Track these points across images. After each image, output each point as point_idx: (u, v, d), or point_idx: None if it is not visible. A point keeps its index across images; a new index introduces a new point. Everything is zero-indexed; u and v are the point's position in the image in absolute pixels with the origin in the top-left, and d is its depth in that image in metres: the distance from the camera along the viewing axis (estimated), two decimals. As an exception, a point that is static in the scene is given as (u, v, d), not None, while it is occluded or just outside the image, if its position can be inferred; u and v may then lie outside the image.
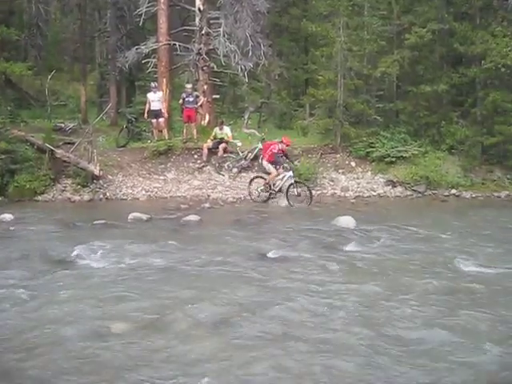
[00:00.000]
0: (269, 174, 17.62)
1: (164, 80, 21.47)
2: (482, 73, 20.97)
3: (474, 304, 7.98)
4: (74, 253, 10.69)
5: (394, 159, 20.15)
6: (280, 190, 17.36)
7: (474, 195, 19.58)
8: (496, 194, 19.82)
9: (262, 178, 17.96)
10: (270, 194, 17.51)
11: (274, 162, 17.41)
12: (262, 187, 17.64)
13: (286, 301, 8.00)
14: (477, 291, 8.61)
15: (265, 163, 17.71)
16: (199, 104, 20.60)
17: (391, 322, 7.28)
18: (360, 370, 5.96)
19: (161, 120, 20.16)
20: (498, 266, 10.00)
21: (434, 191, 19.55)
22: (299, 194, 16.96)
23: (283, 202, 17.00)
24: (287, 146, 17.83)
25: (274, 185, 17.43)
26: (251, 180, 18.11)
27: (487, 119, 21.23)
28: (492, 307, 7.82)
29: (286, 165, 17.63)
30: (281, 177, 17.37)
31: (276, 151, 17.38)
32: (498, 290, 8.70)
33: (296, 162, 19.41)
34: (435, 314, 7.58)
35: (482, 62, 20.68)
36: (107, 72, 24.75)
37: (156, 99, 20.04)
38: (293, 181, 17.07)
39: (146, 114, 20.25)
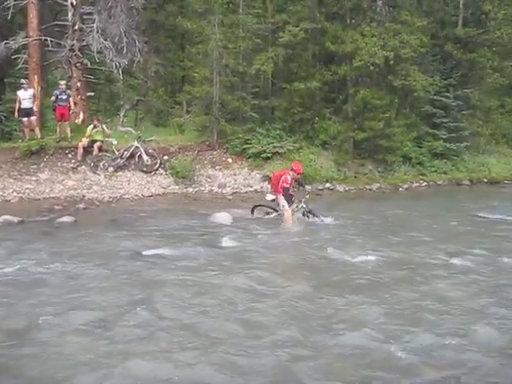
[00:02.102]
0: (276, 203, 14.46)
1: (35, 77, 20.78)
2: (353, 71, 21.84)
3: (352, 291, 8.41)
4: None
5: (269, 155, 20.63)
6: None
7: (347, 188, 20.43)
8: (368, 187, 20.79)
9: (264, 206, 15.04)
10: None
11: (286, 198, 14.09)
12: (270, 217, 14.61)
13: (159, 298, 8.07)
14: (352, 280, 9.07)
15: (279, 198, 14.17)
16: (72, 102, 20.09)
17: (253, 315, 7.50)
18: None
19: (32, 118, 19.45)
20: (369, 254, 10.57)
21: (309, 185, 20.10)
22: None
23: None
24: (299, 174, 14.40)
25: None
26: (253, 208, 15.02)
27: (358, 115, 22.18)
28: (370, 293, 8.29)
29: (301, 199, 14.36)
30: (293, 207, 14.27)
31: (289, 185, 13.99)
32: (372, 277, 9.20)
33: (173, 160, 19.43)
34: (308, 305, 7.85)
35: (353, 60, 21.48)
36: (-26, 68, 23.61)
37: (27, 97, 19.32)
38: (304, 211, 14.35)
39: (16, 113, 19.42)
